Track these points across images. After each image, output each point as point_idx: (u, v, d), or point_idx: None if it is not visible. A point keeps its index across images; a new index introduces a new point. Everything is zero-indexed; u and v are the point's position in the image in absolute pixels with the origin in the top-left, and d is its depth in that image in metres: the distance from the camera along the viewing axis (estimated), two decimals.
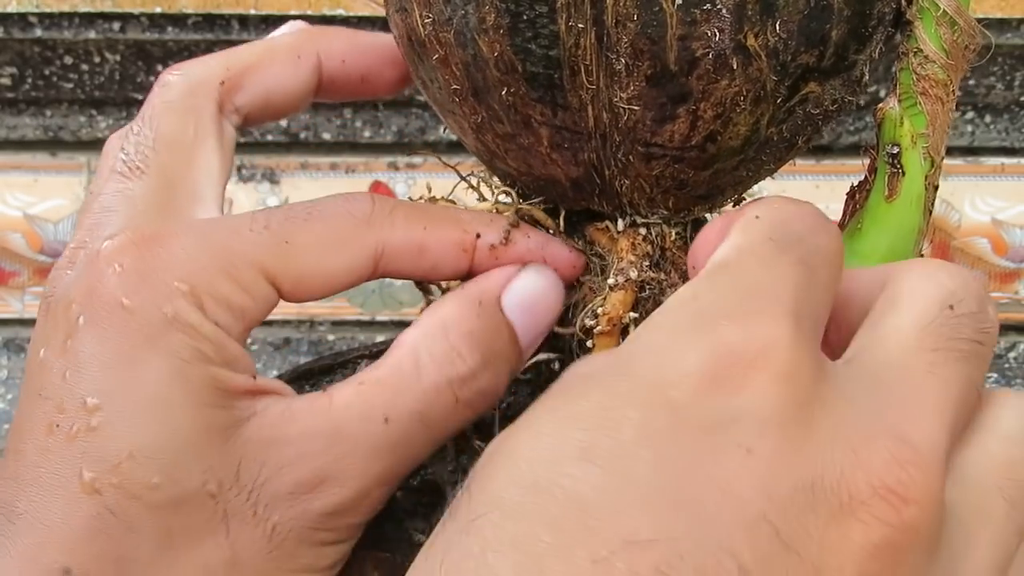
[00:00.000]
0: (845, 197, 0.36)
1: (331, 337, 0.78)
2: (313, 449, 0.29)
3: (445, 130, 0.73)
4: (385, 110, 0.74)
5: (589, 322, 0.37)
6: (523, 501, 0.22)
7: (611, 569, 0.21)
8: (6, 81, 0.71)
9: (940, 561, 0.23)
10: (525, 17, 0.31)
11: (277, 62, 0.36)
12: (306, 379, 0.53)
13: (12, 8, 0.68)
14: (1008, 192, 0.75)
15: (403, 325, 0.78)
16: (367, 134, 0.74)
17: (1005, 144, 0.74)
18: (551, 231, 0.39)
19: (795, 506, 0.22)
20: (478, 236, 0.33)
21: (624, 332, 0.37)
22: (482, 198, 0.41)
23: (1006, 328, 0.78)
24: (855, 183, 0.36)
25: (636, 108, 0.32)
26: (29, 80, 0.72)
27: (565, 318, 0.39)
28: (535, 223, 0.39)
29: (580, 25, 0.31)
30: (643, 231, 0.37)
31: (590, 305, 0.37)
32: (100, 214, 0.31)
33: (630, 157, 0.33)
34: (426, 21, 0.33)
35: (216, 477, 0.28)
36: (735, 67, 0.31)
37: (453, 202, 0.38)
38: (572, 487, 0.22)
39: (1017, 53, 0.69)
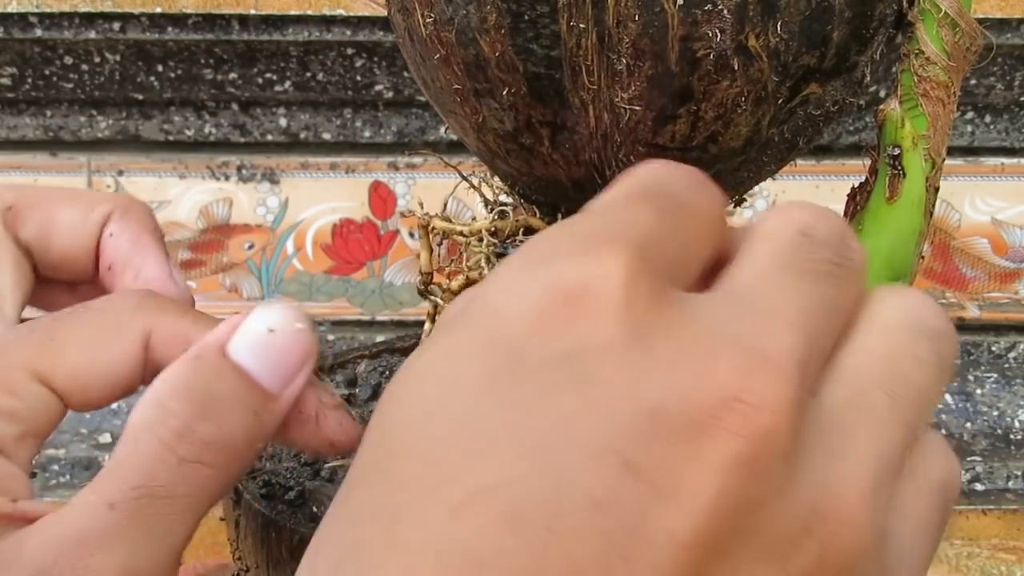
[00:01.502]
0: (846, 198, 0.36)
1: (331, 337, 0.78)
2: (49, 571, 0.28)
3: (445, 130, 0.73)
4: (385, 110, 0.74)
5: None
6: (380, 468, 0.23)
7: (464, 517, 0.21)
8: (6, 81, 0.71)
9: (813, 462, 0.23)
10: (526, 17, 0.31)
11: (66, 204, 0.36)
12: None
13: (12, 8, 0.67)
14: (1008, 192, 0.75)
15: (403, 325, 0.78)
16: (367, 134, 0.74)
17: (1005, 144, 0.73)
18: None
19: (639, 432, 0.22)
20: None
21: None
22: (484, 198, 0.41)
23: (1006, 328, 0.78)
24: (856, 184, 0.36)
25: (637, 108, 0.32)
26: (29, 80, 0.72)
27: None
28: (531, 230, 0.39)
29: (581, 25, 0.31)
30: None
31: None
32: None
33: (631, 157, 0.33)
34: (428, 21, 0.33)
35: None
36: (736, 68, 0.31)
37: (448, 219, 0.39)
38: (422, 445, 0.23)
39: (1017, 53, 0.69)
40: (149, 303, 0.32)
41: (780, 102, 0.32)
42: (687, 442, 0.22)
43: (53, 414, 0.30)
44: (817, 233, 0.26)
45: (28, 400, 0.29)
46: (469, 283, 0.40)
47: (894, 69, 0.34)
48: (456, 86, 0.34)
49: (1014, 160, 0.74)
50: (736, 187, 0.36)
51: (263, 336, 0.31)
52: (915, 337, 0.26)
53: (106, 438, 0.72)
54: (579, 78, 0.32)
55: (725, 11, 0.30)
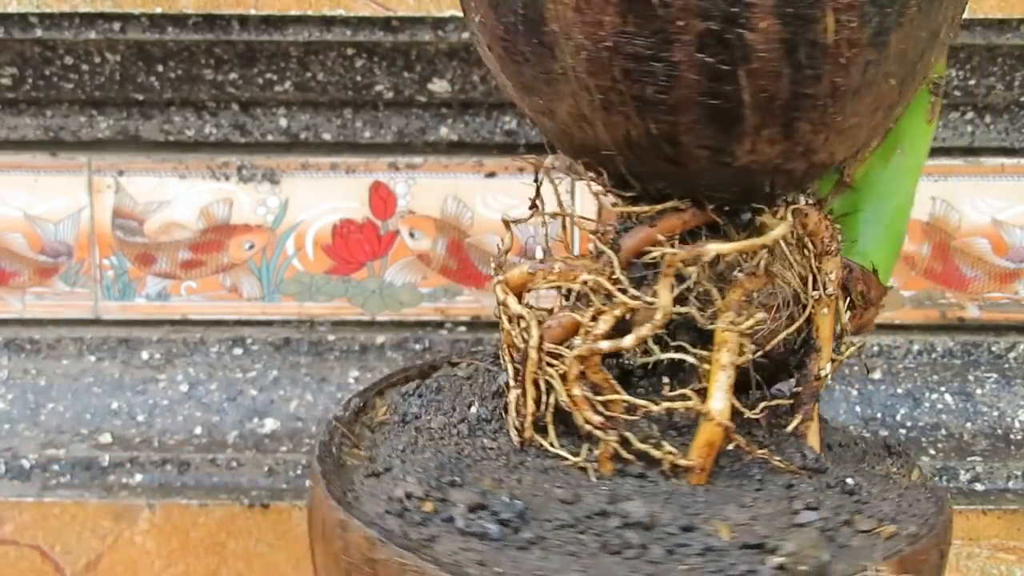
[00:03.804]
0: None
1: (331, 337, 0.78)
2: None
3: (446, 130, 0.73)
4: (385, 110, 0.74)
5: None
6: None
7: None
8: (6, 81, 0.71)
9: None
10: None
11: None
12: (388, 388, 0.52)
13: (12, 8, 0.67)
14: (1008, 192, 0.75)
15: (403, 325, 0.78)
16: (367, 134, 0.74)
17: (1005, 144, 0.73)
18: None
19: None
20: None
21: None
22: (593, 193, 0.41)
23: (1006, 328, 0.78)
24: None
25: None
26: (29, 80, 0.72)
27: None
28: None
29: None
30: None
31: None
32: None
33: None
34: None
35: None
36: None
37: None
38: None
39: (1017, 53, 0.69)
40: None
41: None
42: None
43: None
44: None
45: None
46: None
47: None
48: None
49: (1014, 160, 0.74)
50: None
51: None
52: None
53: (106, 438, 0.72)
54: None
55: None
